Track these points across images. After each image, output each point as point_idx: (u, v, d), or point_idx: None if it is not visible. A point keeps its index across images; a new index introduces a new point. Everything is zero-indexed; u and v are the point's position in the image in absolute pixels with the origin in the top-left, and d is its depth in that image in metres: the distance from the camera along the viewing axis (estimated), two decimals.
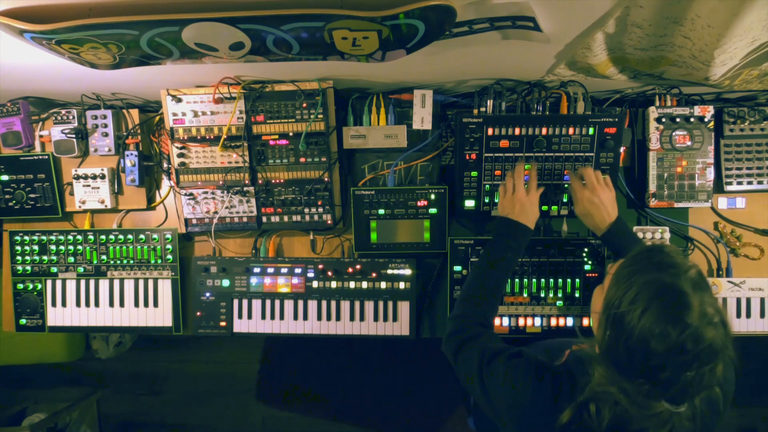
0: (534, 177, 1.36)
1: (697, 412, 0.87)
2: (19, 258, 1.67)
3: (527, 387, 0.98)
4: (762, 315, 1.55)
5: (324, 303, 1.60)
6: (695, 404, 0.87)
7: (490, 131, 1.44)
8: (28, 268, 1.67)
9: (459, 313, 1.21)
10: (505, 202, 1.31)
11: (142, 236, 1.62)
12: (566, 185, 1.48)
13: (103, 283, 1.66)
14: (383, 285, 1.58)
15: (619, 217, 1.30)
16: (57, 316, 1.67)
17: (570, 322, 1.52)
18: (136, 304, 1.65)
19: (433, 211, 1.53)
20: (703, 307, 0.80)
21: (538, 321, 1.53)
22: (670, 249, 0.90)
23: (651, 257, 0.88)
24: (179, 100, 1.49)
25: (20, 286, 1.68)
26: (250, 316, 1.61)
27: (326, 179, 1.54)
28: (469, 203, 1.52)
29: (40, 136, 1.64)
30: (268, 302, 1.61)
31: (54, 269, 1.66)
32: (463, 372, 1.10)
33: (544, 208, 1.49)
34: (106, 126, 1.58)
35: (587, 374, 0.90)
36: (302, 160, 1.53)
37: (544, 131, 1.43)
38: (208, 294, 1.61)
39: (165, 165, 1.62)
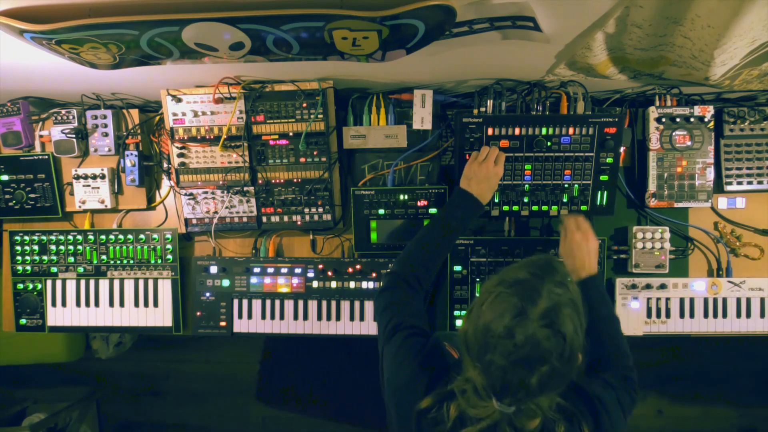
0: (502, 157, 1.40)
1: None
2: (19, 258, 1.67)
3: (407, 367, 1.02)
4: (762, 315, 1.55)
5: (324, 303, 1.60)
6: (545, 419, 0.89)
7: (490, 131, 1.44)
8: (28, 268, 1.67)
9: (394, 270, 1.24)
10: (474, 167, 1.36)
11: (142, 236, 1.62)
12: (566, 185, 1.48)
13: (103, 283, 1.66)
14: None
15: (600, 273, 1.36)
16: (57, 316, 1.67)
17: None
18: (136, 304, 1.65)
19: (433, 211, 1.53)
20: (550, 310, 0.82)
21: None
22: (556, 263, 0.93)
23: (534, 262, 0.93)
24: (179, 100, 1.49)
25: (20, 286, 1.68)
26: (250, 316, 1.61)
27: (326, 179, 1.54)
28: None
29: (40, 136, 1.64)
30: (268, 302, 1.61)
31: (54, 269, 1.66)
32: (378, 334, 1.14)
33: (545, 208, 1.49)
34: (106, 126, 1.58)
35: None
36: (302, 160, 1.53)
37: (544, 131, 1.43)
38: (208, 294, 1.61)
39: (165, 165, 1.62)
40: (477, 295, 1.52)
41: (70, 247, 1.65)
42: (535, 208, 1.50)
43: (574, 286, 0.90)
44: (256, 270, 1.60)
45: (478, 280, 1.53)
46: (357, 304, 1.60)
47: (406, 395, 1.01)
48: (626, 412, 1.05)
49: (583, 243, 1.33)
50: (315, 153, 1.52)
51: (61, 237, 1.65)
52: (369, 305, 1.59)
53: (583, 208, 1.49)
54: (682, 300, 1.55)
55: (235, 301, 1.61)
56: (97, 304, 1.66)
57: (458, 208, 1.32)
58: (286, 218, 1.58)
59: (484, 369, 0.85)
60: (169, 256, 1.63)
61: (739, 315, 1.55)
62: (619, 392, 1.06)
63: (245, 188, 1.55)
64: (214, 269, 1.61)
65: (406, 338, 1.07)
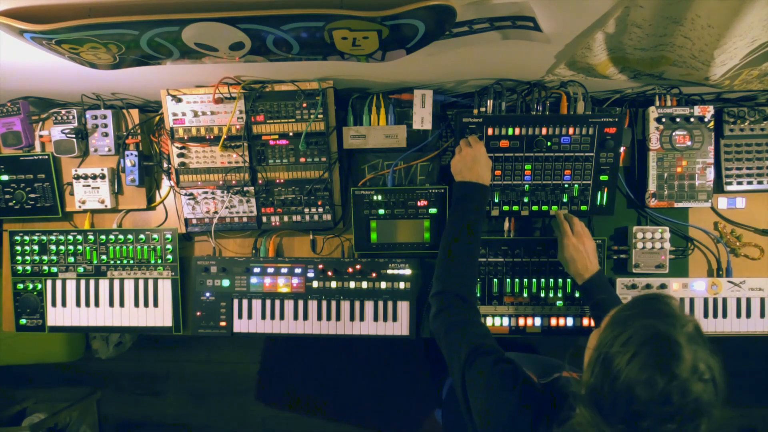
0: (474, 138, 1.42)
1: None
2: (19, 258, 1.67)
3: (507, 402, 0.97)
4: (762, 315, 1.55)
5: (324, 303, 1.60)
6: None
7: (490, 131, 1.44)
8: (28, 268, 1.67)
9: (438, 290, 1.21)
10: (456, 159, 1.37)
11: (142, 236, 1.62)
12: (566, 185, 1.48)
13: (103, 283, 1.66)
14: (383, 285, 1.58)
15: (601, 269, 1.36)
16: (57, 316, 1.67)
17: (570, 322, 1.52)
18: (136, 304, 1.65)
19: (433, 211, 1.53)
20: (696, 361, 0.79)
21: (538, 321, 1.53)
22: (670, 300, 0.89)
23: (651, 304, 0.88)
24: (179, 100, 1.49)
25: (20, 286, 1.68)
26: (250, 316, 1.61)
27: (326, 179, 1.54)
28: None
29: (40, 136, 1.63)
30: (268, 302, 1.61)
31: (54, 269, 1.66)
32: (447, 357, 1.11)
33: (545, 208, 1.49)
34: (106, 126, 1.58)
35: (569, 407, 0.89)
36: (302, 160, 1.53)
37: (544, 131, 1.44)
38: (208, 294, 1.61)
39: (165, 165, 1.62)
40: (477, 294, 1.53)
41: (70, 247, 1.65)
42: (535, 208, 1.50)
43: (690, 317, 0.86)
44: (256, 270, 1.60)
45: (478, 280, 1.53)
46: (357, 304, 1.59)
47: (507, 428, 0.97)
48: None
49: (580, 246, 1.35)
50: (315, 153, 1.52)
51: (61, 237, 1.65)
52: (369, 305, 1.59)
53: (583, 208, 1.49)
54: (682, 300, 1.55)
55: (235, 301, 1.61)
56: (97, 304, 1.66)
57: (467, 201, 1.31)
58: (286, 218, 1.58)
59: None
60: (169, 256, 1.63)
61: (739, 315, 1.55)
62: None
63: (245, 188, 1.55)
64: (214, 269, 1.61)
65: (494, 365, 1.02)
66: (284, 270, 1.60)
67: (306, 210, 1.57)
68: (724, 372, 0.81)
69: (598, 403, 0.84)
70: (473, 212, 1.29)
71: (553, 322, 1.52)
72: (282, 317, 1.61)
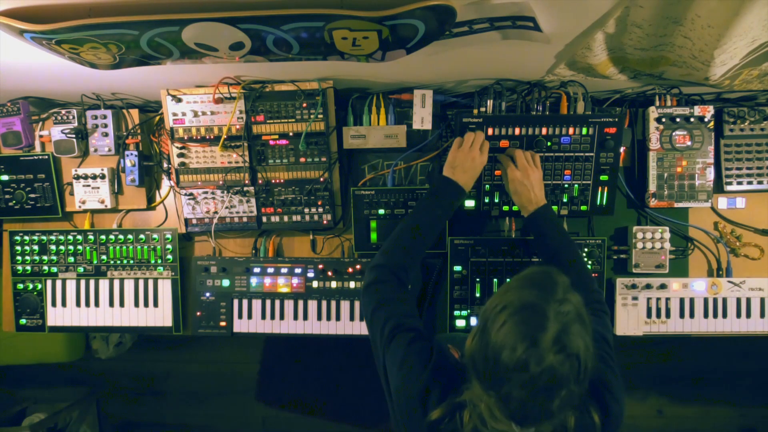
0: (486, 145, 1.38)
1: None
2: (19, 258, 1.67)
3: (419, 379, 1.00)
4: (762, 315, 1.55)
5: (324, 303, 1.60)
6: None
7: (490, 131, 1.44)
8: (28, 268, 1.67)
9: (378, 263, 1.21)
10: (459, 154, 1.33)
11: (142, 236, 1.62)
12: (566, 185, 1.48)
13: (103, 283, 1.66)
14: None
15: (548, 204, 1.34)
16: (57, 316, 1.67)
17: None
18: (136, 304, 1.65)
19: None
20: (561, 335, 0.80)
21: None
22: (557, 276, 0.90)
23: (535, 278, 0.91)
24: (179, 100, 1.49)
25: (20, 286, 1.68)
26: (250, 316, 1.61)
27: (326, 179, 1.54)
28: (469, 203, 1.51)
29: (40, 136, 1.64)
30: (268, 302, 1.61)
31: (54, 269, 1.66)
32: (371, 334, 1.12)
33: None
34: (106, 126, 1.58)
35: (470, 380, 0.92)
36: (302, 160, 1.53)
37: (544, 131, 1.44)
38: (208, 294, 1.61)
39: (165, 165, 1.62)
40: (477, 294, 1.53)
41: (70, 247, 1.65)
42: None
43: (576, 297, 0.88)
44: (256, 270, 1.60)
45: (478, 280, 1.53)
46: (357, 304, 1.59)
47: (418, 406, 0.98)
48: (616, 368, 1.05)
49: (524, 180, 1.32)
50: (315, 153, 1.52)
51: (61, 237, 1.65)
52: None
53: (583, 208, 1.50)
54: (682, 300, 1.55)
55: (235, 301, 1.61)
56: (97, 304, 1.66)
57: (444, 196, 1.30)
58: (286, 218, 1.58)
59: (501, 398, 0.84)
60: (169, 256, 1.63)
61: (739, 315, 1.55)
62: (606, 347, 1.06)
63: (245, 188, 1.55)
64: (214, 269, 1.61)
65: (409, 343, 1.04)
66: (284, 270, 1.60)
67: (306, 210, 1.57)
68: (593, 354, 0.84)
69: (476, 369, 0.88)
70: (442, 209, 1.29)
71: None
72: (282, 317, 1.61)
